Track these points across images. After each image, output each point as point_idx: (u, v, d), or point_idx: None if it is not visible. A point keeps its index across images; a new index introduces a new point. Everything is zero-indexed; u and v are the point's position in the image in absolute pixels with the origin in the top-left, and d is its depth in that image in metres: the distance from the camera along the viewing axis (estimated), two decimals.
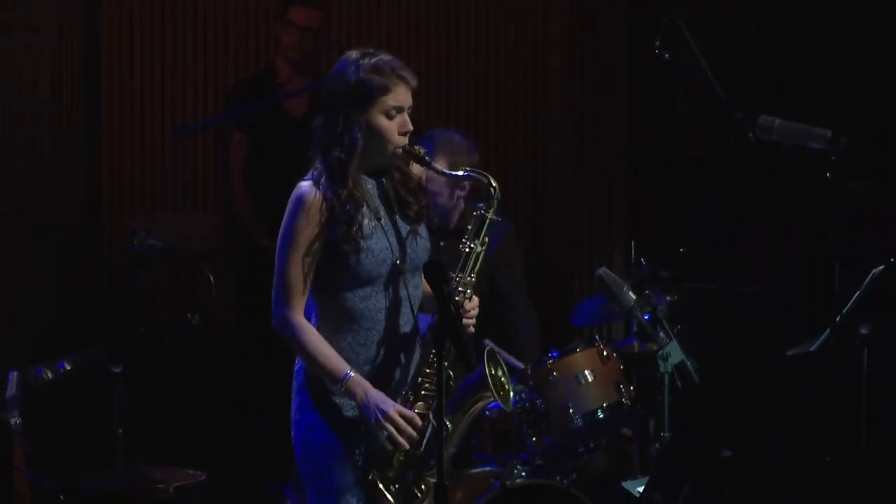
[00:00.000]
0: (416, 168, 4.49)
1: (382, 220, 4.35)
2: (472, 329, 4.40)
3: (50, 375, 5.10)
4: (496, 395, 4.34)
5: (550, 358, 5.48)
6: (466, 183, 5.62)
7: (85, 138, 7.38)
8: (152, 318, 6.24)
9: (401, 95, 4.31)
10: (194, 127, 7.14)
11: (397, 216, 4.39)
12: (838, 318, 4.84)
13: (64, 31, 7.42)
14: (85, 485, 5.01)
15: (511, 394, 4.45)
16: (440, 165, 5.57)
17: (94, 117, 7.39)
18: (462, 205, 5.75)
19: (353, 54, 4.33)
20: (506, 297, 5.86)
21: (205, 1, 7.55)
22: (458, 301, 4.32)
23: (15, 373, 5.14)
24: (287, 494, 5.78)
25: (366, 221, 4.29)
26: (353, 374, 4.27)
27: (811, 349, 5.04)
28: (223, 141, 5.79)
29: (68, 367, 5.14)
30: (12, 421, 5.11)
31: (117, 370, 5.10)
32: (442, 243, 5.65)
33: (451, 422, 4.38)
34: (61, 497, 4.93)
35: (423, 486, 4.34)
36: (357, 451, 4.33)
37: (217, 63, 7.54)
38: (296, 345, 4.32)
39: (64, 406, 6.91)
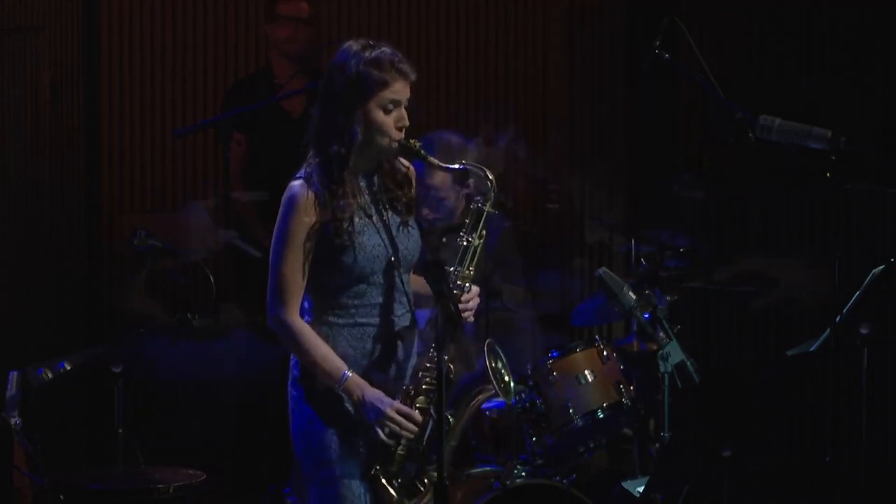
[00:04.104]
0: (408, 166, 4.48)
1: (373, 218, 4.35)
2: (471, 319, 4.40)
3: (50, 375, 5.10)
4: (497, 388, 4.35)
5: (550, 358, 5.49)
6: (471, 181, 5.62)
7: (85, 138, 7.37)
8: (152, 318, 6.24)
9: (399, 90, 4.30)
10: (194, 127, 7.13)
11: (388, 211, 4.39)
12: (838, 318, 4.83)
13: (64, 31, 7.42)
14: (85, 485, 5.00)
15: (512, 385, 4.46)
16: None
17: (94, 117, 7.38)
18: (464, 202, 5.76)
19: (354, 46, 4.32)
20: (504, 297, 5.86)
21: (205, 1, 7.54)
22: (457, 294, 4.32)
23: (15, 373, 5.14)
24: (287, 494, 5.78)
25: (356, 219, 4.30)
26: (350, 374, 4.27)
27: (811, 349, 5.03)
28: (223, 141, 5.78)
29: (68, 367, 5.14)
30: (12, 421, 5.11)
31: (117, 370, 5.09)
32: (444, 239, 5.66)
33: (452, 415, 4.39)
34: (61, 497, 4.92)
35: (425, 480, 4.35)
36: (360, 444, 4.33)
37: (217, 63, 7.54)
38: (291, 345, 4.32)
39: (64, 406, 6.91)
